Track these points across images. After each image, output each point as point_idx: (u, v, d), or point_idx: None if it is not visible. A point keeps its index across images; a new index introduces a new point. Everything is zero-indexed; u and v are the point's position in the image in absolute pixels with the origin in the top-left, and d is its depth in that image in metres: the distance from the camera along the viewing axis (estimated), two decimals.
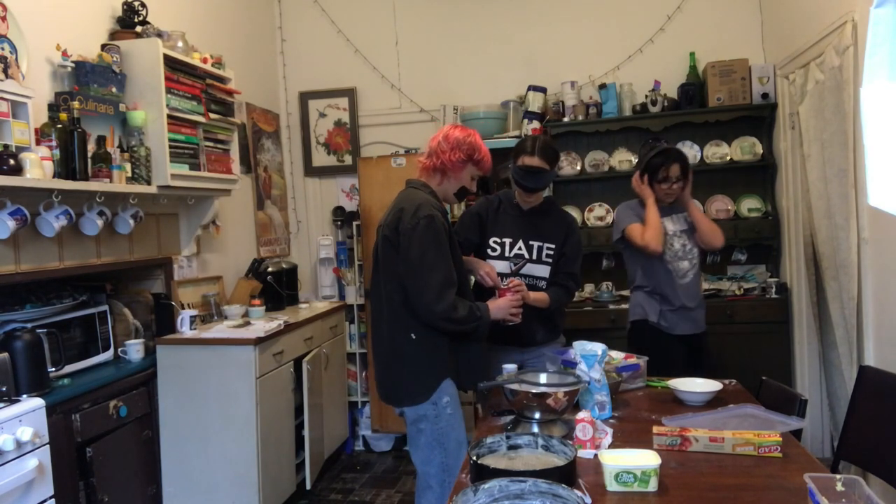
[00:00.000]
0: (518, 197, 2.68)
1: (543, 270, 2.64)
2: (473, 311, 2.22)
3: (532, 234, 2.65)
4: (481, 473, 1.53)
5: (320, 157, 4.76)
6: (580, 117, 4.16)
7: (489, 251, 2.63)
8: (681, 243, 2.91)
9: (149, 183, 2.91)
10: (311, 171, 4.79)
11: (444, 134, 2.35)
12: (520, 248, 2.64)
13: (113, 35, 2.98)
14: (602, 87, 4.20)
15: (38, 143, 2.40)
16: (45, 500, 2.17)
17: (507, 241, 2.64)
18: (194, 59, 3.17)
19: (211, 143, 3.34)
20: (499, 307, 2.34)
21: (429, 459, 2.25)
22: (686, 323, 2.89)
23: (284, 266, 4.03)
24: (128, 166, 2.80)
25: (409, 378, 2.24)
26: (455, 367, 2.26)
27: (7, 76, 2.25)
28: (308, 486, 3.47)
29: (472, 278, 2.57)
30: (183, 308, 3.27)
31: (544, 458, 1.65)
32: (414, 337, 2.22)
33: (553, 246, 2.65)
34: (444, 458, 2.23)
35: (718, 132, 4.08)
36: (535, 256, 2.64)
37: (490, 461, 1.62)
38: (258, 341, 2.98)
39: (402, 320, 2.24)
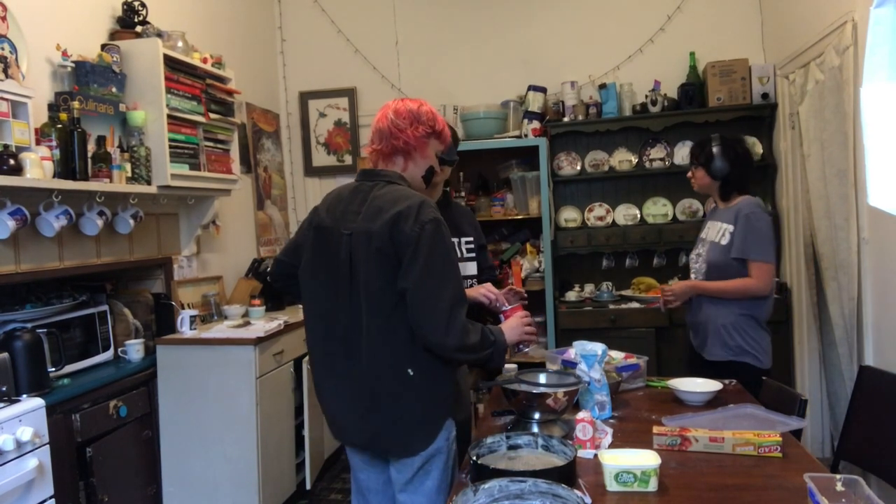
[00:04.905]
0: (437, 176, 2.11)
1: (472, 268, 2.32)
2: (487, 336, 1.78)
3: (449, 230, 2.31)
4: (481, 473, 1.53)
5: (320, 157, 4.76)
6: (580, 117, 4.16)
7: None
8: (696, 252, 2.74)
9: (149, 183, 2.91)
10: (311, 171, 4.79)
11: (394, 110, 1.90)
12: None
13: (113, 35, 2.98)
14: (602, 87, 4.20)
15: (38, 143, 2.40)
16: (45, 500, 2.16)
17: None
18: (194, 59, 3.17)
19: (211, 143, 3.34)
20: (511, 328, 1.92)
21: None
22: (700, 343, 2.65)
23: None
24: (128, 166, 2.81)
25: (415, 425, 1.79)
26: (455, 402, 1.88)
27: (7, 76, 2.25)
28: (308, 486, 3.46)
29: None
30: (183, 308, 3.27)
31: (544, 458, 1.65)
32: (411, 373, 1.74)
33: (470, 239, 2.36)
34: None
35: (718, 132, 4.06)
36: (460, 255, 2.29)
37: (490, 461, 1.62)
38: (258, 341, 2.98)
39: (396, 353, 1.75)
